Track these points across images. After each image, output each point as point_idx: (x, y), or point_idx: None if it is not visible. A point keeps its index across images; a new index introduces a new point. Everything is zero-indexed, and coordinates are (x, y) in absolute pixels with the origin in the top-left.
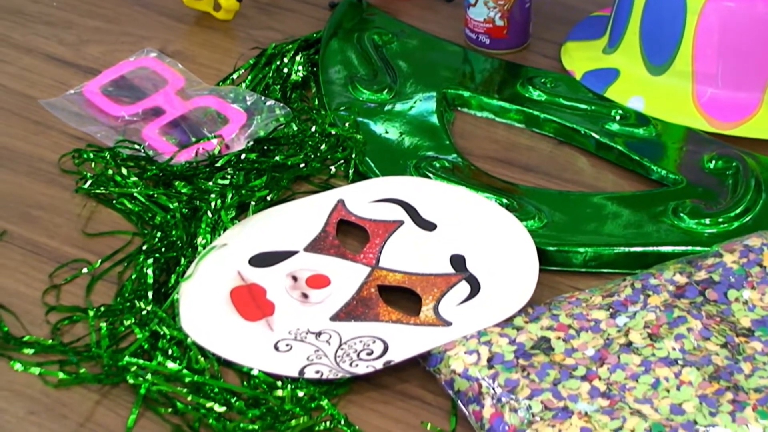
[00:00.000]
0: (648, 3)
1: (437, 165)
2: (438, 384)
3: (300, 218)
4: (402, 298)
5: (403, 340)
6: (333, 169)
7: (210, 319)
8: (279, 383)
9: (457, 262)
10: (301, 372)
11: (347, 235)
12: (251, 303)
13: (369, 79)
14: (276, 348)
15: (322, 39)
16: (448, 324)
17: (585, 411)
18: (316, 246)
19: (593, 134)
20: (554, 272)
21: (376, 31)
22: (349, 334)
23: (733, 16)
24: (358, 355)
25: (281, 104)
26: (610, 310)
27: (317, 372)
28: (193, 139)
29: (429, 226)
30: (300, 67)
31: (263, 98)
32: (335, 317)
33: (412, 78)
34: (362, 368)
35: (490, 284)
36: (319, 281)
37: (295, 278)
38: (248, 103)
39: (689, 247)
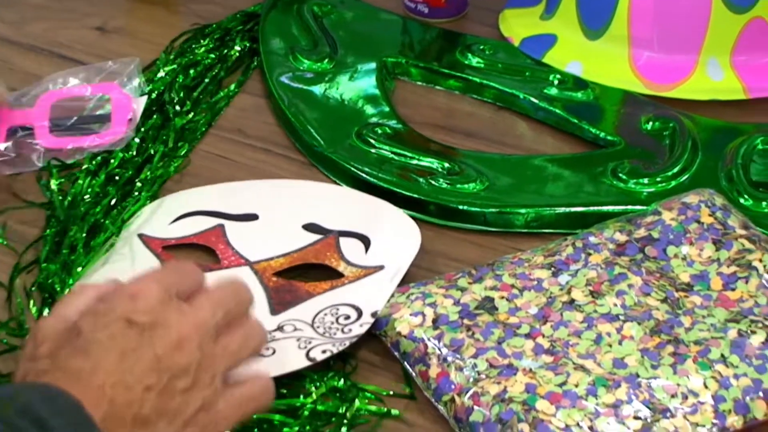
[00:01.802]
0: None
1: (379, 131)
2: (385, 347)
3: (133, 261)
4: (296, 275)
5: (362, 295)
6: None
7: None
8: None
9: (314, 228)
10: (311, 358)
11: (182, 254)
12: None
13: (309, 49)
14: (260, 355)
15: (262, 11)
16: (381, 267)
17: (530, 367)
18: None
19: (532, 99)
20: (495, 234)
21: (315, 2)
22: (307, 315)
23: None
24: (338, 323)
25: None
26: (552, 269)
27: (324, 351)
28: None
29: (250, 218)
30: (238, 43)
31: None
32: (275, 312)
33: (352, 48)
34: (357, 329)
35: (371, 232)
36: None
37: None
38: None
39: (629, 206)
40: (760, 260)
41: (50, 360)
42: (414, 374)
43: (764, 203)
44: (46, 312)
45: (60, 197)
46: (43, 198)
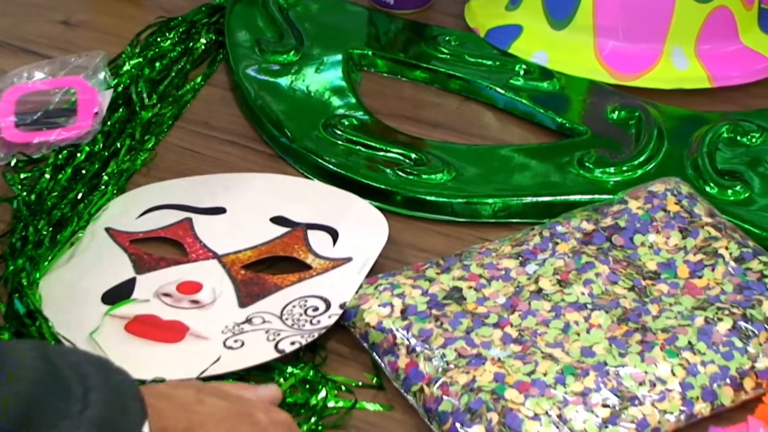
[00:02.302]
0: None
1: (346, 123)
2: (353, 338)
3: (100, 255)
4: (264, 268)
5: (330, 286)
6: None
7: (137, 357)
8: (276, 375)
9: (281, 221)
10: (280, 350)
11: (149, 248)
12: (160, 328)
13: (275, 41)
14: (230, 348)
15: (227, 4)
16: (349, 259)
17: (498, 357)
18: (143, 267)
19: (499, 89)
20: (463, 224)
21: None
22: (275, 307)
23: None
24: (306, 315)
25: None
26: (520, 258)
27: (293, 343)
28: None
29: (218, 211)
30: (203, 35)
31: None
32: (242, 304)
33: (317, 39)
34: (326, 321)
35: (339, 224)
36: (191, 287)
37: (167, 294)
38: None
39: (595, 196)
40: (726, 248)
41: None
42: (383, 365)
43: (730, 191)
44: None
45: (26, 192)
46: (9, 193)
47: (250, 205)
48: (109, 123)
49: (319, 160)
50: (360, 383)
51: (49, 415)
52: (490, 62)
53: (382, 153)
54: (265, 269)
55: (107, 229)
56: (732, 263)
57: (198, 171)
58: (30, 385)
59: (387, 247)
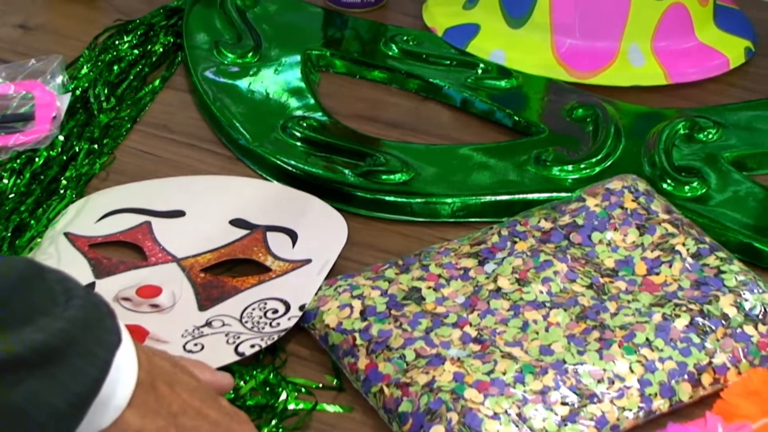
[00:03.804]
0: None
1: (305, 124)
2: (313, 340)
3: (59, 260)
4: (224, 271)
5: (290, 288)
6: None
7: None
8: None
9: (240, 223)
10: (240, 352)
11: (108, 252)
12: None
13: (233, 43)
14: (190, 351)
15: (185, 6)
16: (308, 261)
17: (457, 356)
18: (102, 272)
19: (456, 88)
20: (422, 224)
21: None
22: (235, 310)
23: None
24: (266, 317)
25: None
26: (479, 257)
27: (252, 346)
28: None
29: (177, 214)
30: (161, 38)
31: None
32: (202, 307)
33: (276, 41)
34: (285, 323)
35: (298, 226)
36: (150, 291)
37: (126, 299)
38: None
39: (554, 194)
40: (683, 244)
41: None
42: (343, 366)
43: (687, 187)
44: None
45: None
46: None
47: (209, 207)
48: (67, 127)
49: (278, 162)
50: (320, 385)
51: (30, 310)
52: (447, 61)
53: (340, 154)
54: (225, 272)
55: (66, 234)
56: (689, 259)
57: (157, 174)
58: (16, 279)
59: (346, 248)
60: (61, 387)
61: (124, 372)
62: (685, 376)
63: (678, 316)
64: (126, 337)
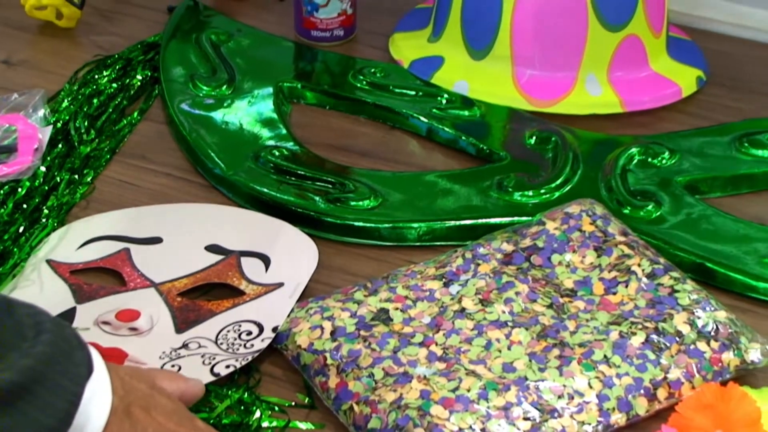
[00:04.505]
0: None
1: (277, 153)
2: (286, 360)
3: (42, 286)
4: (200, 295)
5: (263, 311)
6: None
7: None
8: (212, 398)
9: (216, 249)
10: (215, 373)
11: (89, 278)
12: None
13: (208, 76)
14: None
15: (161, 41)
16: (281, 285)
17: (424, 374)
18: (83, 297)
19: (422, 118)
20: (390, 248)
21: (213, 31)
22: (210, 333)
23: (547, 2)
24: (240, 339)
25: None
26: (444, 279)
27: (227, 366)
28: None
29: (154, 241)
30: (139, 72)
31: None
32: (179, 330)
33: (249, 74)
34: (259, 344)
35: (271, 251)
36: (129, 315)
37: (106, 323)
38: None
39: (515, 218)
40: (639, 265)
41: None
42: (314, 385)
43: (642, 211)
44: None
45: None
46: None
47: (185, 234)
48: (48, 158)
49: (252, 190)
50: (293, 403)
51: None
52: (413, 92)
53: (311, 181)
54: (201, 296)
55: (48, 261)
56: (644, 279)
57: (135, 203)
58: None
59: (317, 271)
60: (32, 422)
61: (96, 401)
62: (642, 391)
63: (634, 333)
64: (98, 365)
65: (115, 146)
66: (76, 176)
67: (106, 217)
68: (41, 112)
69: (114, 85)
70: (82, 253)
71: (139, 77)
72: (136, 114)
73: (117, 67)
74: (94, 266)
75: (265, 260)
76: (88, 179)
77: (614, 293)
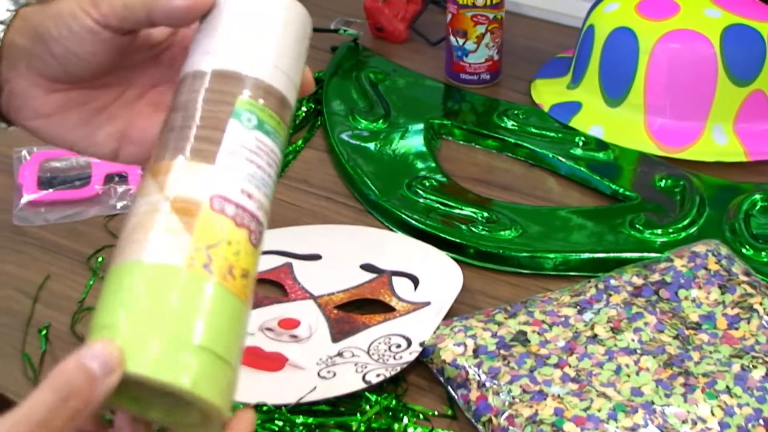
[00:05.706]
0: (606, 45)
1: (426, 183)
2: (431, 372)
3: None
4: (354, 309)
5: (411, 326)
6: None
7: (243, 383)
8: (363, 403)
9: (370, 268)
10: (367, 381)
11: (255, 288)
12: (263, 358)
13: (366, 111)
14: (323, 377)
15: (324, 77)
16: (428, 303)
17: (558, 393)
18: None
19: (560, 158)
20: (527, 275)
21: (371, 70)
22: (363, 344)
23: (679, 56)
24: (390, 351)
25: None
26: (578, 307)
27: (378, 375)
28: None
29: (314, 257)
30: (304, 104)
31: None
32: (335, 340)
33: (403, 110)
34: (407, 356)
35: (420, 272)
36: (290, 323)
37: (269, 329)
38: None
39: (644, 254)
40: (761, 303)
41: None
42: (456, 397)
43: (764, 253)
44: None
45: None
46: None
47: (342, 253)
48: None
49: (403, 216)
50: (436, 413)
51: None
52: (552, 134)
53: (457, 211)
54: (355, 310)
55: None
56: (765, 317)
57: (298, 222)
58: None
59: (461, 293)
60: None
61: None
62: (761, 421)
63: (755, 367)
64: None
65: (281, 171)
66: None
67: (272, 234)
68: None
69: None
70: None
71: (304, 109)
72: (300, 142)
73: None
74: (260, 278)
75: (414, 280)
76: None
77: (736, 328)
